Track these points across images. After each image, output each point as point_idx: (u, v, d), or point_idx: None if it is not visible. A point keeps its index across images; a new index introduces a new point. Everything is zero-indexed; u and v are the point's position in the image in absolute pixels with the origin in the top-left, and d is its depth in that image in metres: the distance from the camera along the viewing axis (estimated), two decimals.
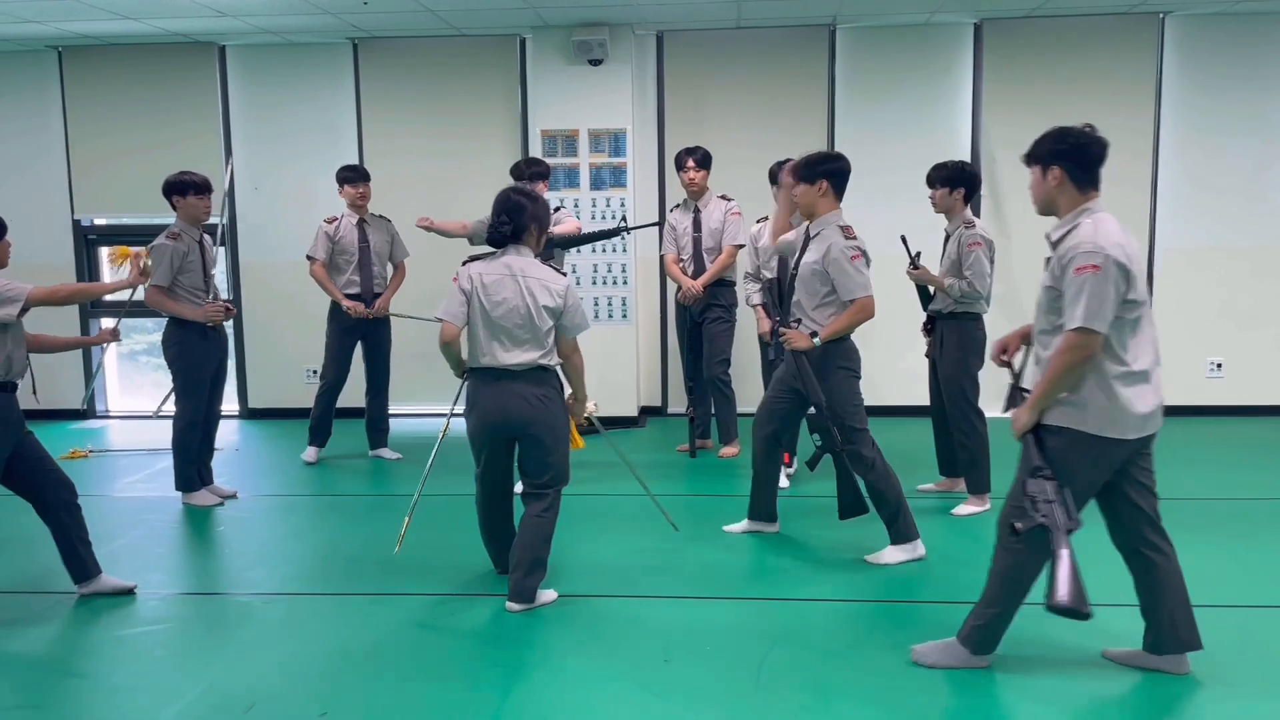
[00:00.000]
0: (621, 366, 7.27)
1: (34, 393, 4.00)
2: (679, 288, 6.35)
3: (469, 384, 3.94)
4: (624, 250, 7.25)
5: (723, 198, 6.29)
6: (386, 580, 4.25)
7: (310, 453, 6.32)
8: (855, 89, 7.31)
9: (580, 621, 3.81)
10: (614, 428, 7.12)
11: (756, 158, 7.21)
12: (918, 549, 4.40)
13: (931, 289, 5.13)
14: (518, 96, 7.47)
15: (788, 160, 5.67)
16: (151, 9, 6.46)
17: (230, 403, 7.93)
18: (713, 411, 6.48)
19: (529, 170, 5.85)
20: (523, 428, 3.85)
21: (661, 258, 6.62)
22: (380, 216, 6.40)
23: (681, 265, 6.35)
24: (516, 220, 3.87)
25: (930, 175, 5.11)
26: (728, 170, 6.54)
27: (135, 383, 8.38)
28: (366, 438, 6.47)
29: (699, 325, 6.33)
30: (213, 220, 7.51)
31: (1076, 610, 2.97)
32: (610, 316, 7.30)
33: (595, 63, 7.05)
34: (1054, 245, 3.12)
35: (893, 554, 4.39)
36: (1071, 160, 3.09)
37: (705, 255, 6.26)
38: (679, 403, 7.50)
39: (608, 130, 7.18)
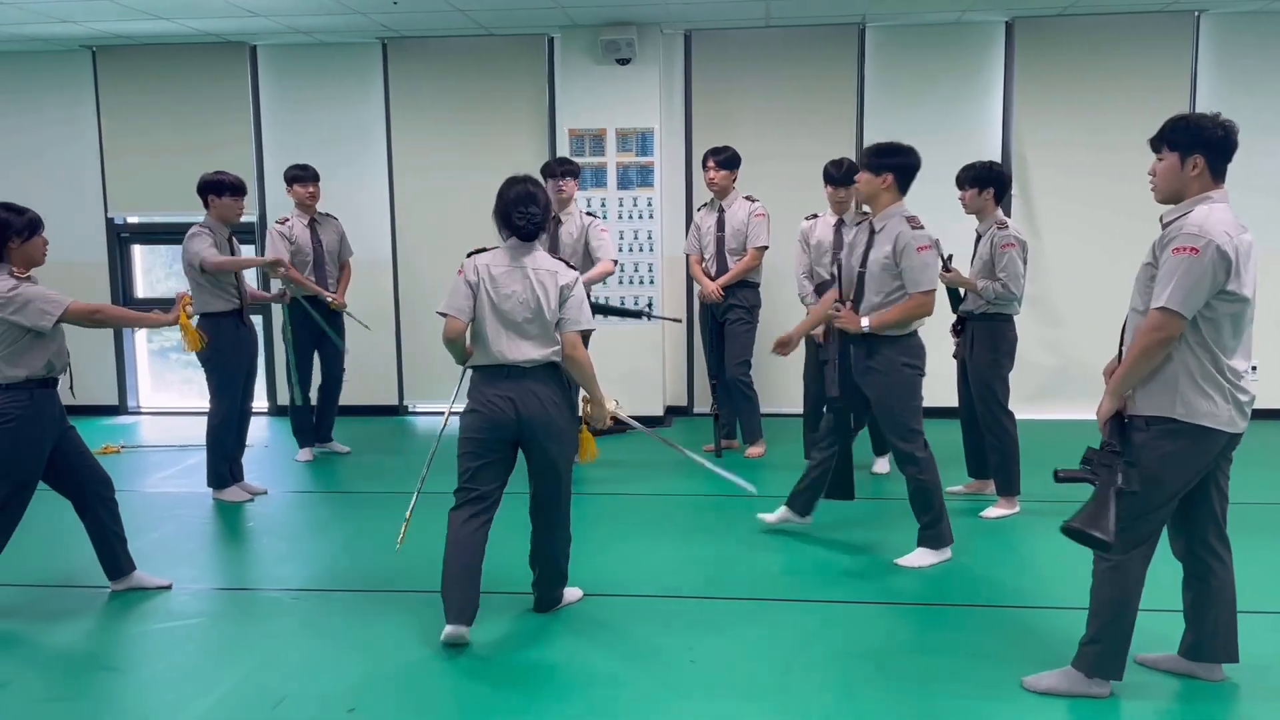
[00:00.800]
0: (647, 366, 7.27)
1: (70, 389, 4.04)
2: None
3: (472, 383, 3.72)
4: (650, 250, 7.25)
5: (748, 198, 6.26)
6: (414, 577, 4.26)
7: (305, 453, 6.43)
8: (885, 88, 7.27)
9: (606, 621, 3.81)
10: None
11: (785, 157, 7.23)
12: (946, 554, 4.37)
13: (962, 290, 5.09)
14: (545, 96, 7.48)
15: (844, 159, 5.70)
16: (184, 9, 6.52)
17: (259, 400, 8.02)
18: (734, 410, 6.47)
19: (560, 168, 5.85)
20: (533, 430, 3.61)
21: (687, 257, 6.60)
22: (328, 215, 6.39)
23: (704, 265, 6.34)
24: (546, 209, 3.72)
25: (959, 176, 5.08)
26: (756, 168, 6.51)
27: (166, 379, 8.46)
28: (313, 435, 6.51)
29: (721, 325, 6.32)
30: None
31: (1087, 533, 2.90)
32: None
33: (623, 62, 7.05)
34: (1164, 226, 3.03)
35: (923, 557, 4.36)
36: (1214, 151, 2.98)
37: (728, 255, 6.24)
38: (705, 402, 7.49)
39: (635, 130, 7.18)
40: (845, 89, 7.30)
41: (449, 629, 3.52)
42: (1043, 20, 7.08)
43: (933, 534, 4.35)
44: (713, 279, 6.25)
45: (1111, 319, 7.97)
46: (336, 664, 3.48)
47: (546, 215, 3.70)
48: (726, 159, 6.21)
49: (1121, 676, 3.13)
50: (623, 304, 7.22)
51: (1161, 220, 3.07)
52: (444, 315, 3.61)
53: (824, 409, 4.60)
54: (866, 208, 4.52)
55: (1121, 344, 3.15)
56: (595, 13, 6.73)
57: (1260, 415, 7.02)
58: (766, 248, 6.20)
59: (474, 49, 7.50)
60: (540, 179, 4.29)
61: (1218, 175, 3.00)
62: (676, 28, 7.29)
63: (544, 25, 7.17)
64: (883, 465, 5.86)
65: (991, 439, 5.04)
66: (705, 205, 6.43)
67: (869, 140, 7.17)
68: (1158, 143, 3.06)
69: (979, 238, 5.09)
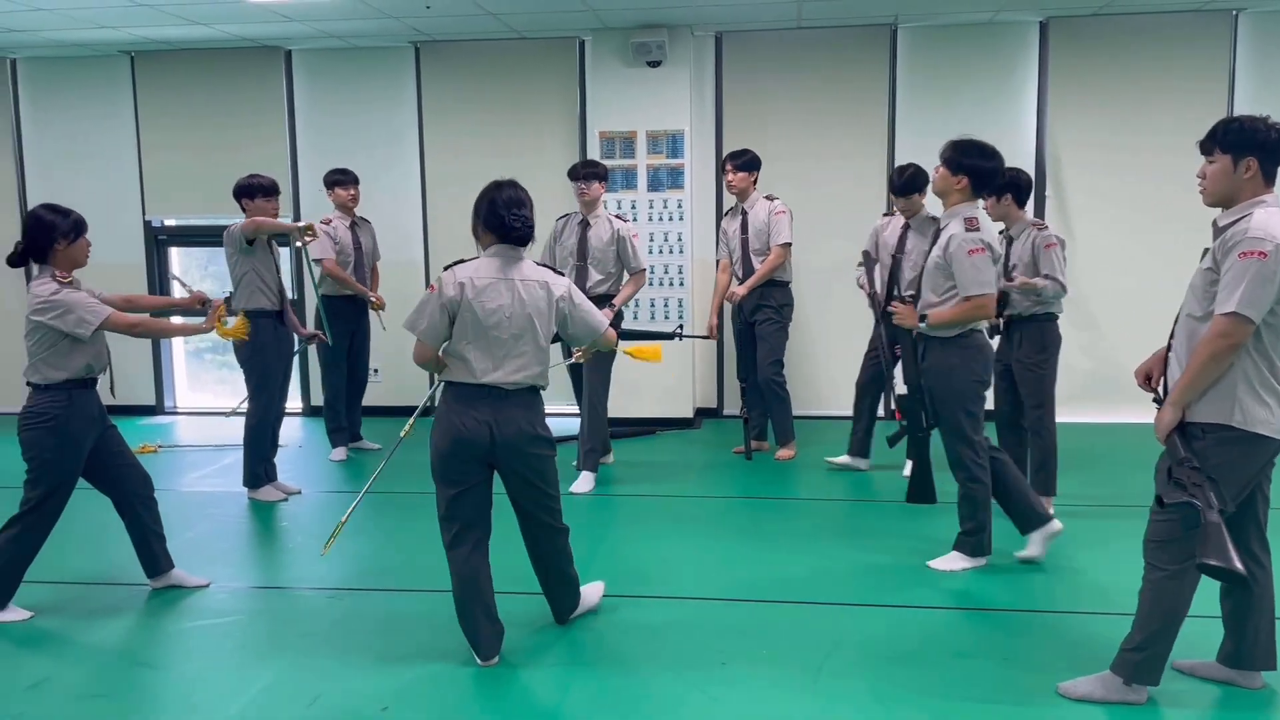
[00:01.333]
0: (677, 368, 7.27)
1: (111, 389, 4.10)
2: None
3: (443, 399, 3.40)
4: (680, 252, 7.25)
5: (768, 197, 6.24)
6: (447, 577, 4.28)
7: (339, 452, 6.47)
8: (917, 89, 7.23)
9: (637, 622, 3.82)
10: (669, 429, 7.13)
11: (815, 158, 7.22)
12: (981, 562, 4.34)
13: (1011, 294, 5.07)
14: (576, 98, 7.51)
15: (910, 166, 5.62)
16: (220, 14, 6.61)
17: (293, 400, 8.10)
18: (765, 413, 6.46)
19: (582, 170, 5.80)
20: (509, 454, 3.34)
21: (718, 262, 6.59)
22: (364, 219, 6.50)
23: (733, 269, 6.32)
24: (531, 216, 3.42)
25: None
26: (786, 169, 6.51)
27: (202, 380, 8.56)
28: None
29: (751, 326, 6.32)
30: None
31: (1227, 569, 2.80)
32: (667, 317, 7.30)
33: (654, 64, 7.07)
34: (1220, 231, 2.99)
35: (957, 561, 4.33)
36: (1268, 153, 2.94)
37: (753, 257, 6.21)
38: (735, 405, 7.48)
39: (665, 132, 7.18)
40: (877, 90, 7.26)
41: (482, 664, 3.44)
42: (1077, 20, 7.01)
43: (972, 541, 4.31)
44: (742, 282, 6.24)
45: (1147, 321, 7.90)
46: (369, 663, 3.50)
47: (533, 219, 3.43)
48: (745, 162, 6.20)
49: (1159, 682, 3.10)
50: (653, 307, 7.23)
51: (1216, 224, 3.03)
52: (415, 335, 3.35)
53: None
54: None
55: (1169, 349, 3.10)
56: (626, 15, 6.75)
57: None
58: (790, 244, 6.18)
59: (505, 52, 7.54)
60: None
61: (1269, 178, 2.96)
62: (707, 29, 7.29)
63: (575, 28, 7.20)
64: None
65: (1036, 440, 5.04)
66: (730, 211, 6.42)
67: (901, 142, 7.20)
68: (1209, 145, 3.02)
69: (1010, 241, 5.07)
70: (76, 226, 3.92)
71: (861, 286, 5.84)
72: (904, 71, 7.24)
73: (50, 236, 3.85)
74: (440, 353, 3.39)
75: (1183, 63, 6.98)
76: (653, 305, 7.25)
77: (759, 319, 6.24)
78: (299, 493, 5.70)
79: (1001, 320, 5.11)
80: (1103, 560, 4.42)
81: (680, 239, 7.25)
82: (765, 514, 5.25)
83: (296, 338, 5.68)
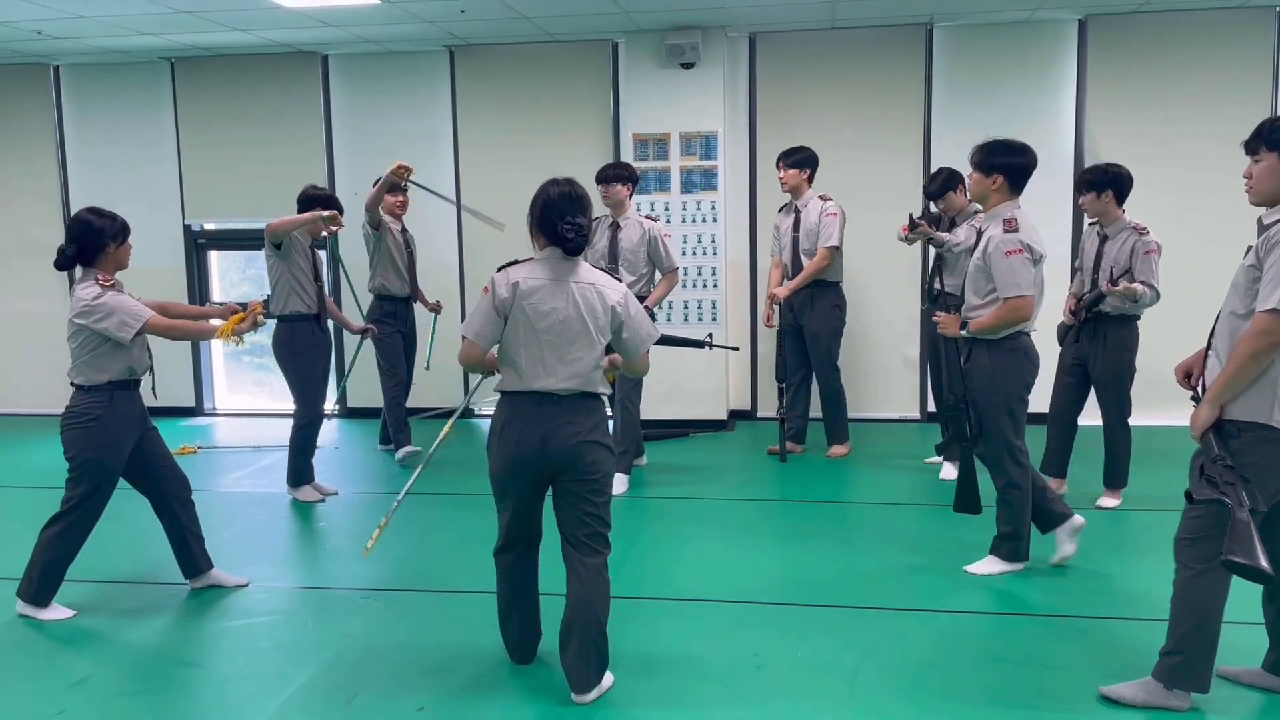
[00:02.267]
0: (710, 370, 7.26)
1: (153, 391, 4.15)
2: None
3: (498, 408, 3.26)
4: (714, 254, 7.24)
5: (822, 197, 6.22)
6: (483, 577, 4.30)
7: (405, 452, 6.38)
8: (953, 89, 7.17)
9: (671, 625, 3.81)
10: (703, 431, 7.12)
11: (850, 159, 7.17)
12: (1018, 567, 4.29)
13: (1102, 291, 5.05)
14: (609, 100, 7.52)
15: (940, 170, 5.73)
16: (259, 20, 6.69)
17: (329, 402, 8.18)
18: (802, 415, 6.43)
19: (608, 173, 5.77)
20: (567, 463, 3.16)
21: (771, 255, 6.51)
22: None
23: (781, 268, 6.32)
24: (590, 217, 3.26)
25: (1077, 180, 5.23)
26: (820, 170, 6.44)
27: (241, 381, 8.66)
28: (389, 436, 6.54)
29: (798, 328, 6.28)
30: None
31: (1253, 566, 2.76)
32: (700, 319, 7.29)
33: (687, 66, 7.06)
34: (1265, 228, 2.95)
35: (994, 565, 4.29)
36: None
37: (802, 256, 6.20)
38: (768, 406, 7.45)
39: (699, 133, 7.18)
40: (912, 90, 7.21)
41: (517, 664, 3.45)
42: (1117, 18, 6.92)
43: (1009, 546, 4.27)
44: (790, 279, 6.24)
45: (1187, 320, 7.76)
46: (406, 663, 3.53)
47: (590, 224, 3.27)
48: (799, 159, 6.19)
49: (1207, 689, 3.04)
50: (686, 309, 7.22)
51: (1261, 222, 2.98)
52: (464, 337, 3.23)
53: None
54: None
55: (1209, 347, 3.06)
56: (659, 18, 6.75)
57: None
58: (837, 248, 6.14)
59: (539, 55, 7.57)
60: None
61: None
62: (741, 31, 7.27)
63: (608, 31, 7.21)
64: (949, 471, 5.78)
65: (1118, 437, 5.14)
66: (784, 207, 6.41)
67: (937, 142, 7.14)
68: (1255, 144, 2.98)
69: (1103, 240, 5.10)
70: (123, 230, 3.99)
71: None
72: (940, 71, 7.18)
73: (99, 240, 3.92)
74: (488, 356, 3.27)
75: (1224, 60, 6.87)
76: (686, 307, 7.24)
77: (814, 320, 6.21)
78: (335, 494, 5.75)
79: (1080, 316, 5.13)
80: (1143, 563, 4.36)
81: (714, 241, 7.24)
82: (799, 516, 5.23)
83: (345, 334, 5.75)
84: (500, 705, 3.22)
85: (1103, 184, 5.05)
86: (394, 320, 6.31)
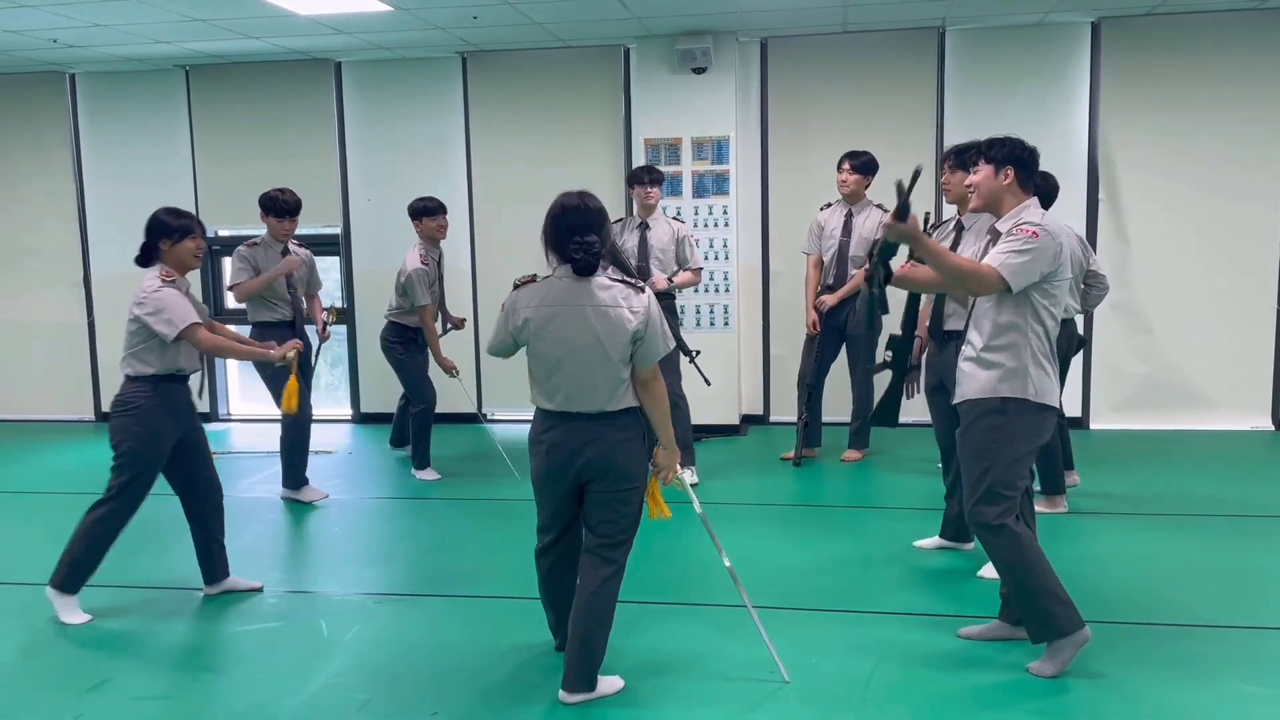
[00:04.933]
0: (723, 374, 7.24)
1: (200, 394, 4.21)
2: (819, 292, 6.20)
3: (535, 417, 3.27)
4: (726, 258, 7.24)
5: (880, 207, 6.11)
6: (495, 582, 4.31)
7: (429, 473, 6.23)
8: (965, 93, 7.15)
9: (682, 630, 3.81)
10: (715, 435, 7.11)
11: None
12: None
13: None
14: (621, 106, 7.53)
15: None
16: (273, 28, 6.72)
17: (343, 407, 8.21)
18: (818, 419, 6.42)
19: (648, 176, 5.90)
20: (597, 473, 3.16)
21: (807, 257, 6.36)
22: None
23: (824, 269, 6.22)
24: (603, 234, 3.15)
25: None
26: (832, 174, 6.43)
27: (254, 387, 8.68)
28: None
29: (842, 335, 6.22)
30: (330, 230, 7.81)
31: None
32: (712, 324, 7.29)
33: (699, 71, 7.07)
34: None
35: None
36: None
37: (850, 262, 6.13)
38: (781, 411, 7.45)
39: (710, 138, 7.18)
40: (924, 94, 7.20)
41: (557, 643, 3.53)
42: (1130, 20, 6.89)
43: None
44: (831, 286, 6.17)
45: (1201, 325, 7.75)
46: (419, 668, 3.53)
47: (606, 243, 3.17)
48: (863, 163, 6.11)
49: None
50: (698, 313, 7.22)
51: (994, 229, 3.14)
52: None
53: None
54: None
55: None
56: (671, 23, 6.76)
57: None
58: None
59: (551, 61, 7.58)
60: (592, 194, 3.34)
61: None
62: (752, 35, 7.28)
63: (620, 36, 7.23)
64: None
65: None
66: (831, 205, 6.31)
67: (950, 146, 7.09)
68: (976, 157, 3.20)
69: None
70: (183, 229, 4.05)
71: None
72: (952, 75, 7.17)
73: (156, 235, 4.03)
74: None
75: (1239, 63, 6.82)
76: (698, 311, 7.24)
77: (852, 325, 6.14)
78: (326, 497, 5.74)
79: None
80: (1159, 564, 4.34)
81: (726, 245, 7.24)
82: (812, 520, 5.22)
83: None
84: (514, 710, 3.22)
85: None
86: (410, 343, 6.22)
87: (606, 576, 3.20)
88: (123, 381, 4.02)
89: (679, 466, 3.35)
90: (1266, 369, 6.93)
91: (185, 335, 3.94)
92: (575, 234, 3.09)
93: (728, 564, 3.52)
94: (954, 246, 4.29)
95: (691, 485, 5.60)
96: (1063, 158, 6.80)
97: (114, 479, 3.99)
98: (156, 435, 3.98)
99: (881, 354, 4.58)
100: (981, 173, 3.44)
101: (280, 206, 5.66)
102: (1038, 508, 4.93)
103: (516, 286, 3.23)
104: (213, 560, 4.24)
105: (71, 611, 4.01)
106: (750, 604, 3.48)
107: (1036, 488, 5.08)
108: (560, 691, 3.23)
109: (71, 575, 4.01)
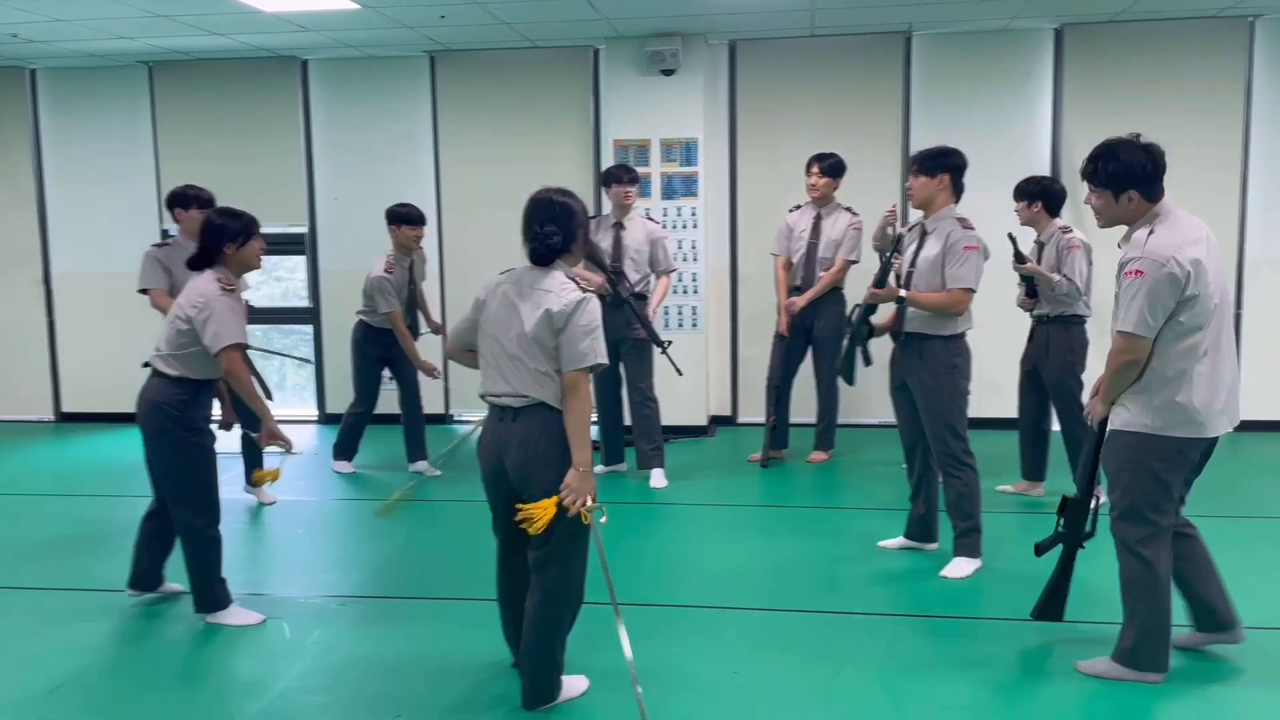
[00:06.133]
0: (691, 375, 7.25)
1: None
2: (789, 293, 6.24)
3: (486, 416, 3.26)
4: (695, 259, 7.25)
5: (848, 209, 6.18)
6: (459, 584, 4.30)
7: (346, 465, 6.38)
8: (932, 96, 7.22)
9: (647, 632, 3.81)
10: (683, 436, 7.12)
11: None
12: (980, 562, 4.38)
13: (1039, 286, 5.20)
14: (590, 107, 7.53)
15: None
16: (238, 24, 6.66)
17: (308, 407, 8.15)
18: (785, 420, 6.45)
19: (627, 176, 5.94)
20: (518, 481, 3.10)
21: (775, 258, 6.40)
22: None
23: (791, 270, 6.26)
24: (567, 228, 3.15)
25: (1015, 190, 5.34)
26: (800, 176, 6.47)
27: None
28: (406, 452, 6.38)
29: (808, 337, 6.25)
30: (296, 229, 7.73)
31: None
32: (680, 325, 7.30)
33: (668, 73, 7.08)
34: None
35: (964, 566, 4.34)
36: None
37: (818, 264, 6.17)
38: (749, 412, 7.47)
39: (679, 140, 7.19)
40: (891, 97, 7.25)
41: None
42: (1093, 27, 6.98)
43: (971, 541, 4.36)
44: (799, 287, 6.20)
45: None
46: (382, 671, 3.51)
47: (570, 237, 3.16)
48: (831, 166, 6.15)
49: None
50: (666, 315, 7.22)
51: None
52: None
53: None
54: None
55: None
56: (640, 24, 6.76)
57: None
58: (856, 261, 6.16)
59: (520, 61, 7.57)
60: (566, 192, 3.29)
61: None
62: (721, 38, 7.30)
63: (589, 37, 7.22)
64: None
65: (1073, 437, 5.20)
66: (800, 207, 6.34)
67: (916, 149, 7.14)
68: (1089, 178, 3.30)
69: (1040, 247, 5.26)
70: (246, 229, 3.95)
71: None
72: (919, 79, 7.22)
73: (219, 239, 3.90)
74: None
75: (1199, 69, 6.93)
76: (667, 312, 7.24)
77: (821, 326, 6.19)
78: (274, 503, 5.68)
79: (1031, 317, 5.32)
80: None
81: (695, 247, 7.25)
82: (778, 522, 5.24)
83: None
84: (477, 713, 3.21)
85: (1034, 195, 5.25)
86: (376, 347, 6.17)
87: (538, 601, 3.14)
88: (157, 379, 3.88)
89: (589, 499, 3.05)
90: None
91: (225, 353, 3.81)
92: (533, 223, 3.15)
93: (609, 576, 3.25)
94: (918, 250, 4.35)
95: (660, 486, 5.63)
96: (1025, 160, 6.88)
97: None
98: (199, 433, 3.93)
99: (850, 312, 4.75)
100: (1100, 198, 3.44)
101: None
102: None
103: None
104: (159, 567, 4.16)
105: (241, 615, 3.97)
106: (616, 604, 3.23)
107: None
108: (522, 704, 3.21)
109: (207, 594, 3.96)
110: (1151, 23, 6.91)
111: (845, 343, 4.72)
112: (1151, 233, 3.16)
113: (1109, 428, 3.28)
